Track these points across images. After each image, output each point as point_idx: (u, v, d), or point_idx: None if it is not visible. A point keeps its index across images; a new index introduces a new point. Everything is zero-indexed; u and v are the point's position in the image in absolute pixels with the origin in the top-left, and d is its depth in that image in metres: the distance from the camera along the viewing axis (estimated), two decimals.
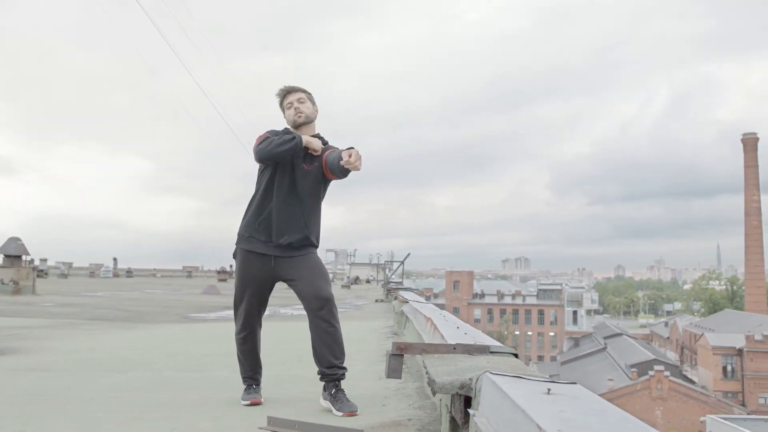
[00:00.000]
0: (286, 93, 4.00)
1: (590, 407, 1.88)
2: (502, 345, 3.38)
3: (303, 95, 4.00)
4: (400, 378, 3.27)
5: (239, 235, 3.92)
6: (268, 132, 3.88)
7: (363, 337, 8.60)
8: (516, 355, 3.24)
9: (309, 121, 3.98)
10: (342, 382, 3.75)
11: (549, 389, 2.07)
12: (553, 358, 78.96)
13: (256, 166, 3.91)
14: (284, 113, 4.01)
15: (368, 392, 4.30)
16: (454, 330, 4.37)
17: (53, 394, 4.38)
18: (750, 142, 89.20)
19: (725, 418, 38.23)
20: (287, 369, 5.68)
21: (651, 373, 49.22)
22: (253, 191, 3.95)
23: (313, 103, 4.03)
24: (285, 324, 11.58)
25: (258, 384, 4.02)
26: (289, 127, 3.99)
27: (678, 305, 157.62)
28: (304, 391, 4.40)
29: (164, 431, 3.32)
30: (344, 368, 3.77)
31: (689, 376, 60.33)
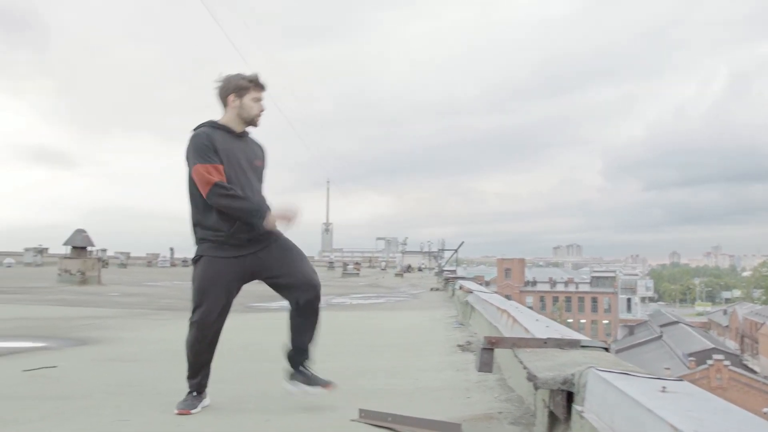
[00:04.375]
0: (259, 85, 3.57)
1: (711, 405, 1.89)
2: (591, 339, 3.38)
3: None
4: (491, 372, 3.30)
5: None
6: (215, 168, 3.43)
7: (429, 328, 8.63)
8: (607, 350, 3.23)
9: None
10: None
11: (664, 387, 2.08)
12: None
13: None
14: (240, 101, 3.52)
15: (449, 384, 4.34)
16: (533, 322, 4.37)
17: (143, 385, 4.54)
18: None
19: None
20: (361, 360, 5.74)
21: (710, 362, 48.05)
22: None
23: None
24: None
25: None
26: (230, 124, 3.55)
27: (737, 293, 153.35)
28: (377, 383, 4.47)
29: (258, 422, 3.42)
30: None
31: (750, 365, 58.74)
